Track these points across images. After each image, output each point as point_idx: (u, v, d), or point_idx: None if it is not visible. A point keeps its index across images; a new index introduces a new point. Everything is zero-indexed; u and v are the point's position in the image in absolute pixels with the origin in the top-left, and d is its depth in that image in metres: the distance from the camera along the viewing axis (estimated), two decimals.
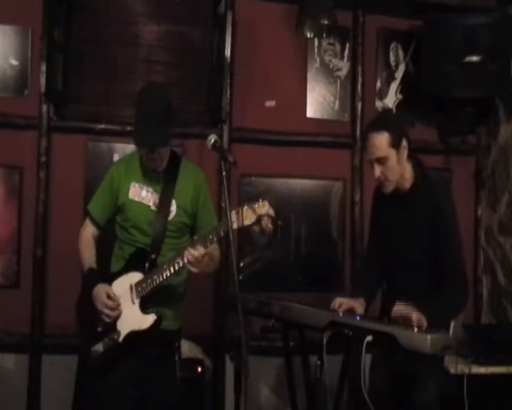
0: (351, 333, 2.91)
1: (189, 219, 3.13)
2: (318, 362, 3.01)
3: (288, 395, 3.61)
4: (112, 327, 3.00)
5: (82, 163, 4.27)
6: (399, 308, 2.88)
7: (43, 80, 4.10)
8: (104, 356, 2.98)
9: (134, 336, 2.98)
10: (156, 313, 2.99)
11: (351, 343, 3.02)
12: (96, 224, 3.18)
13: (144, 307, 3.00)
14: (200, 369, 3.91)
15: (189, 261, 2.90)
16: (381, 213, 3.31)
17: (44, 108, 4.20)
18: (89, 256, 3.15)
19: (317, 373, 3.04)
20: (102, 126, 4.29)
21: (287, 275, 4.56)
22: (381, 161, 3.03)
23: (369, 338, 2.75)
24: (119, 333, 2.99)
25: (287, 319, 3.26)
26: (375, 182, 3.22)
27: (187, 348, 4.02)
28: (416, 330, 2.69)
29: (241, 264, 4.46)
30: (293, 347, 3.50)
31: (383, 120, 3.17)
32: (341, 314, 3.02)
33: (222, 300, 4.32)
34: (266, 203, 2.92)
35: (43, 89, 4.11)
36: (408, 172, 3.11)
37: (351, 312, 3.10)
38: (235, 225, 2.89)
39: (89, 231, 3.20)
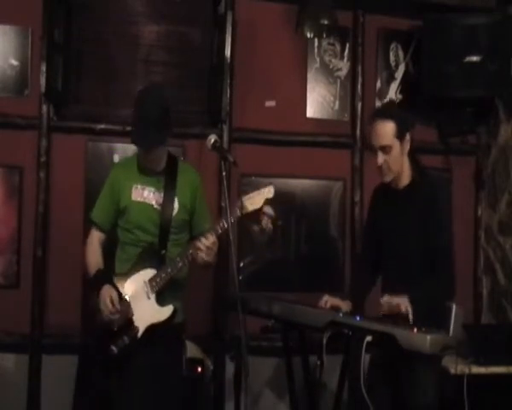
0: (351, 333, 2.91)
1: (188, 215, 3.24)
2: (318, 362, 3.00)
3: (288, 395, 3.61)
4: (129, 325, 3.07)
5: (82, 163, 4.27)
6: (386, 302, 2.92)
7: (43, 80, 4.10)
8: (121, 354, 3.04)
9: (152, 329, 3.08)
10: (173, 304, 3.11)
11: (350, 343, 3.02)
12: (101, 230, 3.25)
13: (159, 301, 3.10)
14: (200, 369, 3.91)
15: (201, 250, 3.02)
16: (378, 210, 3.35)
17: (44, 108, 4.20)
18: (95, 260, 3.21)
19: (317, 373, 3.04)
20: (102, 126, 4.28)
21: (287, 275, 4.56)
22: (386, 149, 3.09)
23: (369, 338, 2.76)
24: (137, 329, 3.07)
25: (287, 319, 3.26)
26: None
27: (187, 348, 4.02)
28: (415, 330, 2.69)
29: (241, 264, 4.46)
30: (293, 347, 3.50)
31: (390, 110, 3.23)
32: (341, 314, 3.03)
33: (222, 300, 4.32)
34: (271, 188, 3.13)
35: (43, 89, 4.11)
36: (407, 167, 3.17)
37: (336, 309, 3.18)
38: (243, 211, 3.07)
39: (95, 239, 3.26)
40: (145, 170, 3.18)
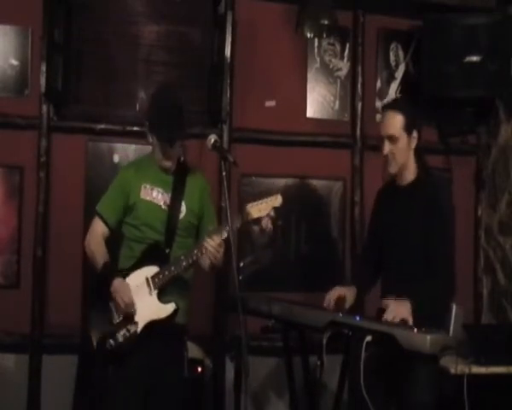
0: (351, 333, 2.91)
1: (195, 219, 3.24)
2: (318, 362, 3.01)
3: (288, 395, 3.61)
4: (129, 319, 3.06)
5: (82, 163, 4.27)
6: (389, 311, 2.91)
7: (43, 80, 4.10)
8: (119, 348, 3.04)
9: (152, 326, 3.07)
10: (175, 303, 3.10)
11: (350, 343, 3.02)
12: (106, 224, 3.22)
13: (161, 299, 3.09)
14: (200, 369, 3.91)
15: (207, 251, 3.00)
16: (382, 206, 3.37)
17: (44, 108, 4.20)
18: (102, 253, 3.18)
19: (317, 373, 3.04)
20: (102, 126, 4.28)
21: (287, 275, 4.56)
22: (392, 139, 3.14)
23: (369, 338, 2.76)
24: (136, 324, 3.06)
25: (287, 319, 3.26)
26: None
27: (189, 351, 4.02)
28: (415, 330, 2.69)
29: (241, 264, 4.46)
30: (293, 347, 3.50)
31: (401, 104, 3.34)
32: (341, 314, 3.03)
33: (222, 300, 4.32)
34: (279, 196, 3.15)
35: (43, 89, 4.11)
36: (412, 164, 3.20)
37: (341, 301, 3.20)
38: (249, 217, 3.09)
39: (98, 232, 3.23)
40: (156, 171, 3.20)
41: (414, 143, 3.17)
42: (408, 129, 3.14)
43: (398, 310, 2.89)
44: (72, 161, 4.26)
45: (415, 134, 3.16)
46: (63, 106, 4.29)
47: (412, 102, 4.54)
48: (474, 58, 4.37)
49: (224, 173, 2.95)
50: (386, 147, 3.15)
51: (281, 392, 4.41)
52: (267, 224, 4.53)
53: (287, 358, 3.54)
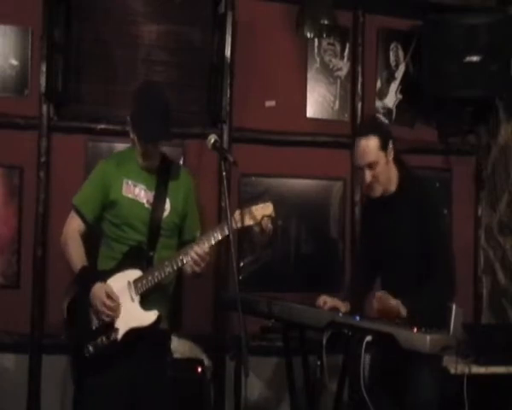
0: (351, 333, 2.91)
1: (179, 219, 3.13)
2: (318, 362, 3.01)
3: (288, 395, 3.61)
4: (108, 325, 2.93)
5: (82, 163, 4.26)
6: (379, 302, 2.93)
7: (43, 80, 4.11)
8: (99, 355, 2.92)
9: (133, 333, 2.94)
10: (158, 310, 2.97)
11: (350, 343, 3.02)
12: (84, 220, 3.07)
13: (144, 305, 2.96)
14: (200, 369, 3.91)
15: (193, 259, 2.90)
16: (372, 220, 3.34)
17: (44, 108, 4.20)
18: (79, 253, 3.04)
19: (317, 373, 3.04)
20: (102, 126, 4.28)
21: (287, 275, 4.56)
22: (372, 165, 3.07)
23: (369, 338, 2.76)
24: (116, 331, 2.93)
25: (287, 319, 3.26)
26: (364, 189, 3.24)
27: (187, 348, 4.02)
28: (415, 329, 2.69)
29: (241, 264, 4.46)
30: (293, 347, 3.50)
31: (370, 125, 3.26)
32: (341, 314, 3.03)
33: (222, 300, 4.31)
34: (270, 205, 3.00)
35: (43, 89, 4.12)
36: (394, 174, 3.16)
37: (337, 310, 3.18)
38: (239, 225, 2.96)
39: (75, 227, 3.08)
40: (138, 167, 3.07)
41: (391, 155, 3.12)
42: (384, 146, 3.07)
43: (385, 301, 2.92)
44: (72, 161, 4.25)
45: (390, 146, 3.10)
46: (63, 106, 4.29)
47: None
48: (474, 58, 4.37)
49: (223, 173, 2.93)
50: (368, 175, 3.08)
51: (281, 392, 4.41)
52: (267, 224, 4.52)
53: (287, 358, 3.54)
